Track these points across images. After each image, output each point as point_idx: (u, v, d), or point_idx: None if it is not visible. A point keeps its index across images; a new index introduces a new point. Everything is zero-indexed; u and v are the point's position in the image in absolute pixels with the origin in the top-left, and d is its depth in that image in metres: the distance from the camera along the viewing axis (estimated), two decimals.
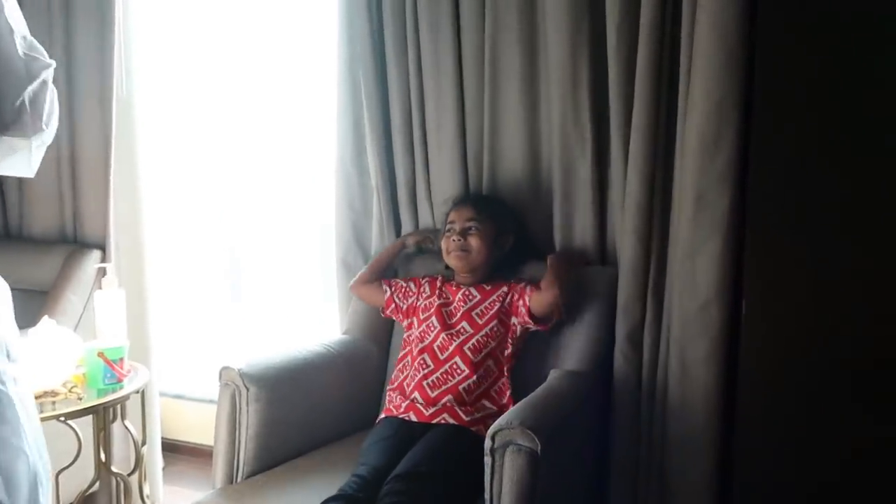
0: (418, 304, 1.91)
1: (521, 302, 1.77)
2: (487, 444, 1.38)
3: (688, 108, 1.57)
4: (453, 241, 1.84)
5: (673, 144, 1.67)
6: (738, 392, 1.48)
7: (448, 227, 1.88)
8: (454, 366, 1.75)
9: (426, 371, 1.77)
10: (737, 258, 1.54)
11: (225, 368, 1.75)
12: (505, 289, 1.83)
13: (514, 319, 1.79)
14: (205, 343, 3.02)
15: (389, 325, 2.09)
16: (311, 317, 2.80)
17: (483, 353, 1.77)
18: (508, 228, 1.91)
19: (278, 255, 2.90)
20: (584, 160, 1.86)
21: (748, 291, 1.43)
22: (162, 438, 2.64)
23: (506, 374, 1.77)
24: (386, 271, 2.06)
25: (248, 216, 2.93)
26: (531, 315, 1.75)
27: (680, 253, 1.59)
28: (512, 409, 1.45)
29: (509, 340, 1.79)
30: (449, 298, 1.88)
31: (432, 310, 1.86)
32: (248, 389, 1.71)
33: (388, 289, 1.99)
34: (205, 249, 3.02)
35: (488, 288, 1.85)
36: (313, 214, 2.74)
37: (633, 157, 1.69)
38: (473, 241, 1.84)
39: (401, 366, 1.87)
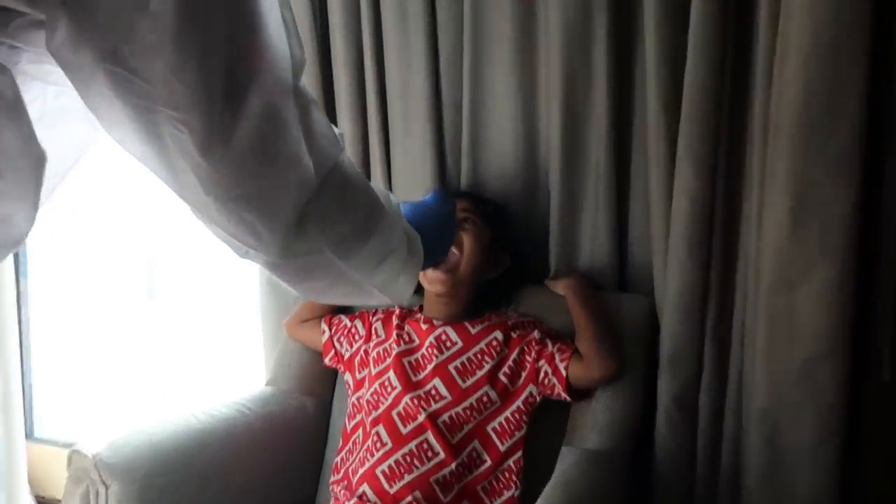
0: (368, 352, 1.34)
1: (547, 367, 1.22)
2: None
3: (776, 61, 1.03)
4: None
5: (744, 122, 1.14)
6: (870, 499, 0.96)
7: None
8: (424, 445, 1.19)
9: (382, 452, 1.20)
10: (861, 290, 1.00)
11: (75, 452, 1.16)
12: (499, 335, 1.27)
13: (531, 389, 1.24)
14: (105, 373, 2.37)
15: (332, 371, 1.51)
16: (232, 341, 2.17)
17: (465, 431, 1.20)
18: (506, 245, 1.37)
19: (196, 264, 2.26)
20: (597, 147, 1.33)
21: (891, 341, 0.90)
22: (39, 499, 2.06)
23: (510, 465, 1.20)
24: (333, 308, 1.48)
25: (159, 213, 2.26)
26: (569, 389, 1.20)
27: (766, 283, 1.05)
28: None
29: (517, 415, 1.23)
30: (414, 342, 1.31)
31: (389, 360, 1.29)
32: (107, 487, 1.12)
33: (327, 329, 1.42)
34: (109, 253, 2.36)
35: (474, 330, 1.28)
36: None
37: (685, 141, 1.15)
38: (466, 240, 1.28)
39: (348, 446, 1.30)
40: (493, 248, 1.34)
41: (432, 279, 1.28)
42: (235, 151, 0.56)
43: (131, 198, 2.15)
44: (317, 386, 1.50)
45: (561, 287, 1.34)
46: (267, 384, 1.50)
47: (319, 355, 1.45)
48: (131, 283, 2.24)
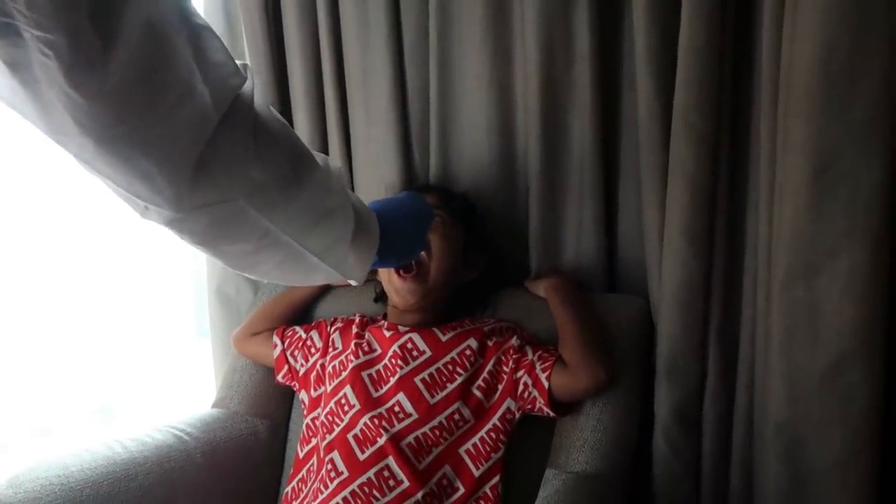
0: (325, 366, 1.17)
1: (527, 378, 1.05)
2: None
3: (787, 8, 0.88)
4: None
5: (749, 87, 0.99)
6: None
7: None
8: (385, 473, 1.02)
9: (337, 482, 1.02)
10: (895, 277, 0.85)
11: None
12: (473, 343, 1.10)
13: (509, 403, 1.07)
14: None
15: (288, 390, 1.34)
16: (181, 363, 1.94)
17: (433, 455, 1.03)
18: (481, 244, 1.21)
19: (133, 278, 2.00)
20: (581, 127, 1.18)
21: None
22: None
23: (486, 493, 1.03)
24: (289, 318, 1.31)
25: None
26: (552, 402, 1.03)
27: (782, 272, 0.89)
28: None
29: (493, 435, 1.06)
30: (375, 352, 1.14)
31: (345, 374, 1.12)
32: None
33: (279, 342, 1.25)
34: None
35: (445, 337, 1.12)
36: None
37: (681, 113, 1.00)
38: (435, 241, 1.12)
39: (301, 475, 1.13)
40: (466, 249, 1.18)
41: (400, 289, 1.12)
42: (113, 82, 0.49)
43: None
44: (270, 407, 1.32)
45: (542, 288, 1.18)
46: (213, 406, 1.33)
47: (272, 372, 1.29)
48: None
